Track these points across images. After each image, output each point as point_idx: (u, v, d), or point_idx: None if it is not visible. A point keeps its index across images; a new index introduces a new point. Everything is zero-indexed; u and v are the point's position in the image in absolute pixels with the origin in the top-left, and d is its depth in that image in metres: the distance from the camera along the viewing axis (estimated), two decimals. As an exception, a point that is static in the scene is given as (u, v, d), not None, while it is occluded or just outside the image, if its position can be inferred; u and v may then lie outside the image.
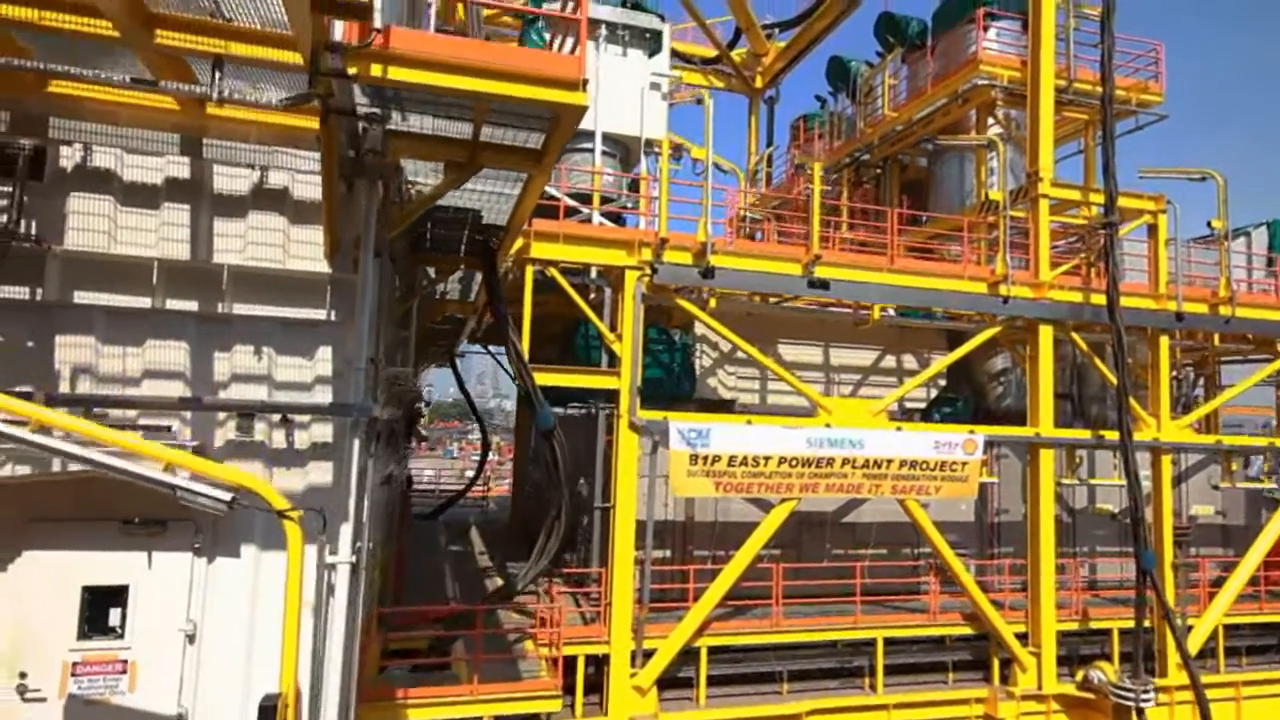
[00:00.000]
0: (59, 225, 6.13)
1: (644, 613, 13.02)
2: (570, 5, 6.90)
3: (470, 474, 31.47)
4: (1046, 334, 15.49)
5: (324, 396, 6.62)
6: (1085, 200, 16.34)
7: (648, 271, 13.24)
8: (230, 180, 6.47)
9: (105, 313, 6.18)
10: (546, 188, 14.69)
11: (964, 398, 18.30)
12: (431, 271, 13.62)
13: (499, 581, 17.53)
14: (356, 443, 6.51)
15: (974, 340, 15.58)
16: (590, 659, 12.70)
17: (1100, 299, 15.45)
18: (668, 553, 15.24)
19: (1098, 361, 16.12)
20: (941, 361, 15.98)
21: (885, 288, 14.53)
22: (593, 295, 14.22)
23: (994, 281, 15.21)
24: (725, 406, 16.30)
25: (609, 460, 13.49)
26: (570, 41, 8.26)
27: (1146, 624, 15.07)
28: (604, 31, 15.23)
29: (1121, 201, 15.86)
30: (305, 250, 6.66)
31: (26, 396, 5.75)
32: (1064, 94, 16.92)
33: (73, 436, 4.73)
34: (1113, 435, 15.48)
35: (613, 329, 13.65)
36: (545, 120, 6.49)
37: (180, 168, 6.36)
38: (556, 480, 11.84)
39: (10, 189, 5.83)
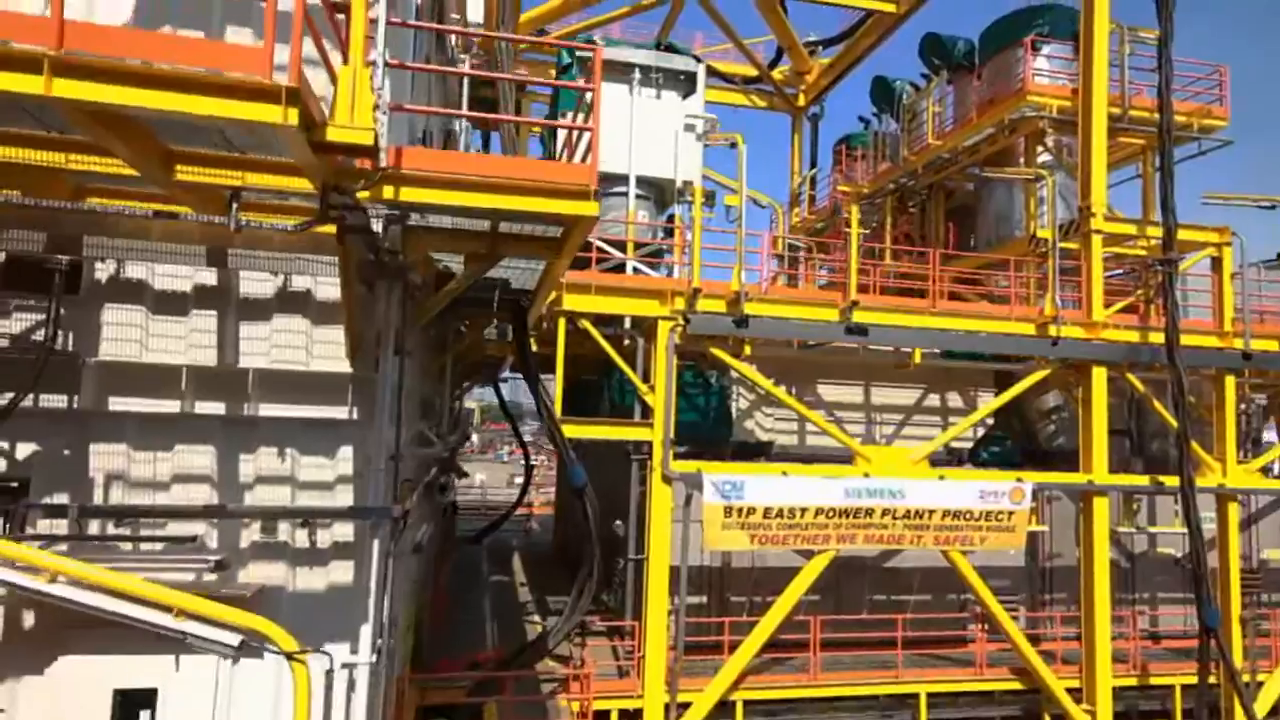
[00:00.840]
0: (94, 336, 6.37)
1: (679, 664, 12.92)
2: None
3: (519, 479, 31.76)
4: (1100, 376, 14.83)
5: (345, 496, 6.73)
6: (1142, 234, 15.61)
7: (681, 322, 13.13)
8: (255, 285, 6.64)
9: (137, 419, 6.40)
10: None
11: (1013, 436, 17.66)
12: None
13: (537, 622, 17.65)
14: (376, 543, 6.60)
15: (1022, 384, 15.02)
16: (623, 713, 12.65)
17: (1159, 337, 14.73)
18: (704, 599, 15.09)
19: (1157, 404, 15.36)
20: (987, 406, 15.45)
21: (927, 332, 14.11)
22: (626, 343, 14.19)
23: (1043, 322, 14.64)
24: (763, 449, 16.07)
25: (642, 510, 13.42)
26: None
27: (1212, 680, 14.30)
28: (637, 75, 15.19)
29: (1182, 234, 15.10)
30: (328, 350, 6.79)
31: (62, 509, 6.01)
32: (1119, 122, 16.19)
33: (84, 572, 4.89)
34: (1173, 481, 14.72)
35: (646, 377, 13.59)
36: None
37: (208, 275, 6.54)
38: (588, 537, 11.84)
39: (48, 304, 6.08)
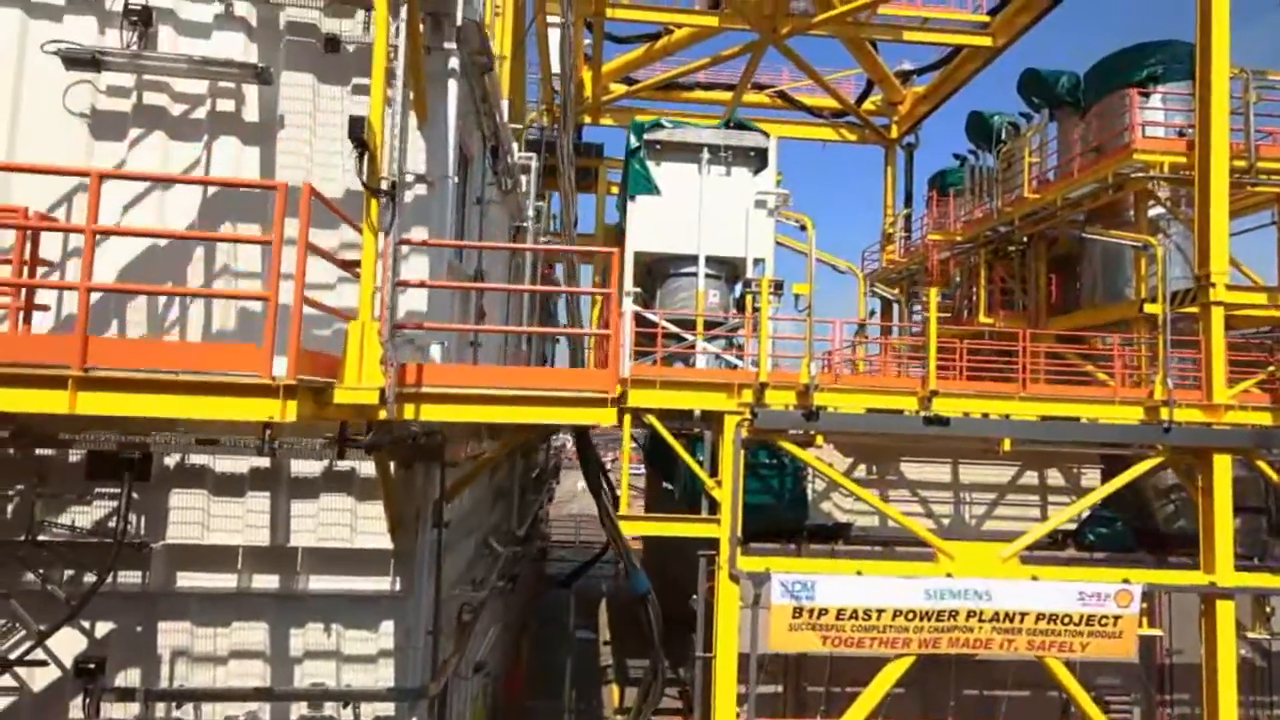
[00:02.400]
0: (163, 519, 6.91)
1: (749, 766, 12.62)
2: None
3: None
4: (1223, 464, 13.38)
5: (387, 670, 6.99)
6: (1274, 304, 13.97)
7: (748, 415, 12.85)
8: (304, 465, 7.00)
9: (200, 598, 6.88)
10: (645, 312, 14.71)
11: (1125, 516, 16.19)
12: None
13: (615, 692, 17.75)
14: (414, 720, 6.80)
15: (1131, 471, 13.76)
16: (691, 817, 12.49)
17: (1296, 420, 13.15)
18: (779, 688, 14.70)
19: (1293, 494, 13.71)
20: (1091, 495, 14.23)
21: (1016, 422, 13.18)
22: (695, 431, 14.03)
23: (1153, 405, 13.36)
24: (841, 531, 15.48)
25: (710, 607, 13.19)
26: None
27: (1366, 813, 12.60)
28: (706, 154, 15.01)
29: (1324, 301, 13.44)
30: (371, 525, 7.07)
31: (131, 693, 6.54)
32: (1245, 175, 14.56)
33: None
34: (1316, 582, 13.11)
35: (713, 468, 13.37)
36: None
37: (262, 458, 6.94)
38: (652, 644, 11.78)
39: (121, 491, 6.62)
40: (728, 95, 26.90)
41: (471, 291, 9.27)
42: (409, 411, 5.67)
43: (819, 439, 13.54)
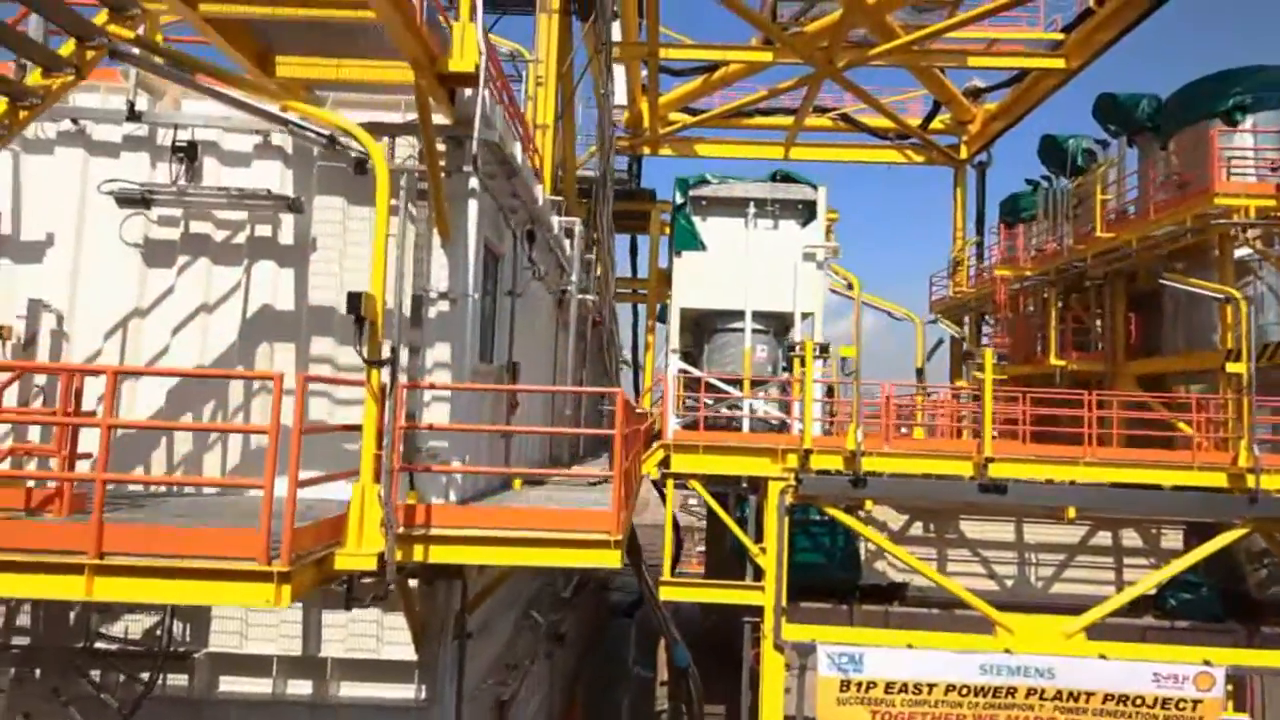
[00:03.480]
0: (205, 629, 7.34)
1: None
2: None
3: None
4: (1319, 537, 12.31)
5: (412, 780, 7.20)
6: (1378, 360, 12.77)
7: (793, 481, 12.62)
8: (334, 578, 7.30)
9: (238, 704, 7.28)
10: (692, 370, 14.67)
11: (1211, 581, 15.05)
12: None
13: (668, 742, 17.68)
14: (435, 833, 6.98)
15: (1215, 542, 12.79)
16: None
17: (1406, 488, 11.97)
18: (831, 753, 14.33)
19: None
20: (1172, 567, 13.28)
21: (1080, 489, 12.48)
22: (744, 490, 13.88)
23: (1237, 473, 12.41)
24: (896, 591, 14.99)
25: (755, 675, 13.02)
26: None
27: None
28: (752, 209, 14.83)
29: None
30: (397, 636, 7.32)
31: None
32: (1345, 217, 13.37)
33: None
34: None
35: (759, 533, 13.20)
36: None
37: (294, 570, 7.28)
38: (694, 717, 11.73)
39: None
40: (788, 120, 26.47)
41: (504, 378, 9.44)
42: (417, 553, 5.85)
43: (869, 503, 13.18)
